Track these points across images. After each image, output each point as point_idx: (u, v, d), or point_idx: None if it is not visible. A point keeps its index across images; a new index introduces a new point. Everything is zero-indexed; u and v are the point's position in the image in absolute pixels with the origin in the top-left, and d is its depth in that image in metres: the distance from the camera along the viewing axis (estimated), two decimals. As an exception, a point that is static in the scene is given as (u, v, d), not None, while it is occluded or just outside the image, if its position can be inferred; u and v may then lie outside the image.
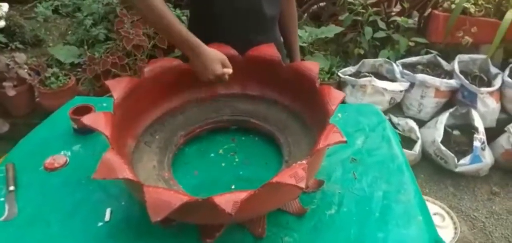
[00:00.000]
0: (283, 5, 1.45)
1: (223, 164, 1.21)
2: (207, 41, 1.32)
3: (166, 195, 0.82)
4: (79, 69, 2.79)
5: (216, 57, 1.13)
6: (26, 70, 2.50)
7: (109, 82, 1.12)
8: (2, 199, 1.07)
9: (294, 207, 1.04)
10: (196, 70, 1.14)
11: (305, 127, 1.23)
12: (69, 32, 3.20)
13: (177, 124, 1.28)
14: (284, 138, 1.24)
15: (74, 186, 1.12)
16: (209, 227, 0.98)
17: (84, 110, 1.34)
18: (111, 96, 1.09)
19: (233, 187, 1.12)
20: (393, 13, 3.33)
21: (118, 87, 1.11)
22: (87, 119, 0.97)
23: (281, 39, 1.55)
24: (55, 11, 3.81)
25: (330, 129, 0.96)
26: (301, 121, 1.25)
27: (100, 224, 1.01)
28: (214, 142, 1.30)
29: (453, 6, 2.93)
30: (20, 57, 2.51)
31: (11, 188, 1.09)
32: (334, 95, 1.08)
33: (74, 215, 1.03)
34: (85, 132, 1.34)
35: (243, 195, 0.80)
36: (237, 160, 1.22)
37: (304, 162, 0.87)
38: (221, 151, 1.26)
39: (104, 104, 1.48)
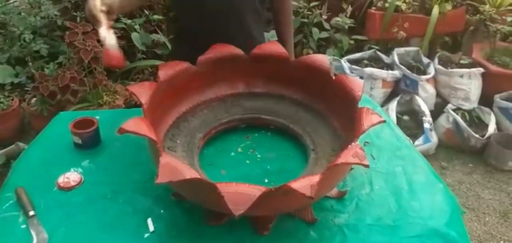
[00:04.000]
0: (276, 4, 1.49)
1: (247, 161, 1.21)
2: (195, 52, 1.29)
3: (242, 188, 0.82)
4: (26, 89, 2.55)
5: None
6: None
7: (133, 88, 1.08)
8: (24, 226, 0.96)
9: (332, 191, 1.09)
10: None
11: (319, 117, 1.28)
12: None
13: (192, 128, 1.26)
14: (301, 129, 1.28)
15: (102, 202, 1.05)
16: (262, 219, 0.99)
17: (86, 124, 1.25)
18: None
19: (266, 180, 1.13)
20: (325, 17, 3.55)
21: (143, 92, 1.07)
22: (128, 126, 0.92)
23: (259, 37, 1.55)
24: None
25: (367, 111, 1.02)
26: (314, 112, 1.30)
27: (146, 235, 0.96)
28: (229, 142, 1.29)
29: (386, 4, 3.23)
30: None
31: (31, 212, 0.98)
32: (355, 82, 1.16)
33: (114, 230, 0.97)
34: (88, 146, 1.25)
35: (315, 178, 0.83)
36: (259, 155, 1.23)
37: (357, 143, 0.93)
38: (239, 149, 1.26)
39: (97, 117, 1.38)
